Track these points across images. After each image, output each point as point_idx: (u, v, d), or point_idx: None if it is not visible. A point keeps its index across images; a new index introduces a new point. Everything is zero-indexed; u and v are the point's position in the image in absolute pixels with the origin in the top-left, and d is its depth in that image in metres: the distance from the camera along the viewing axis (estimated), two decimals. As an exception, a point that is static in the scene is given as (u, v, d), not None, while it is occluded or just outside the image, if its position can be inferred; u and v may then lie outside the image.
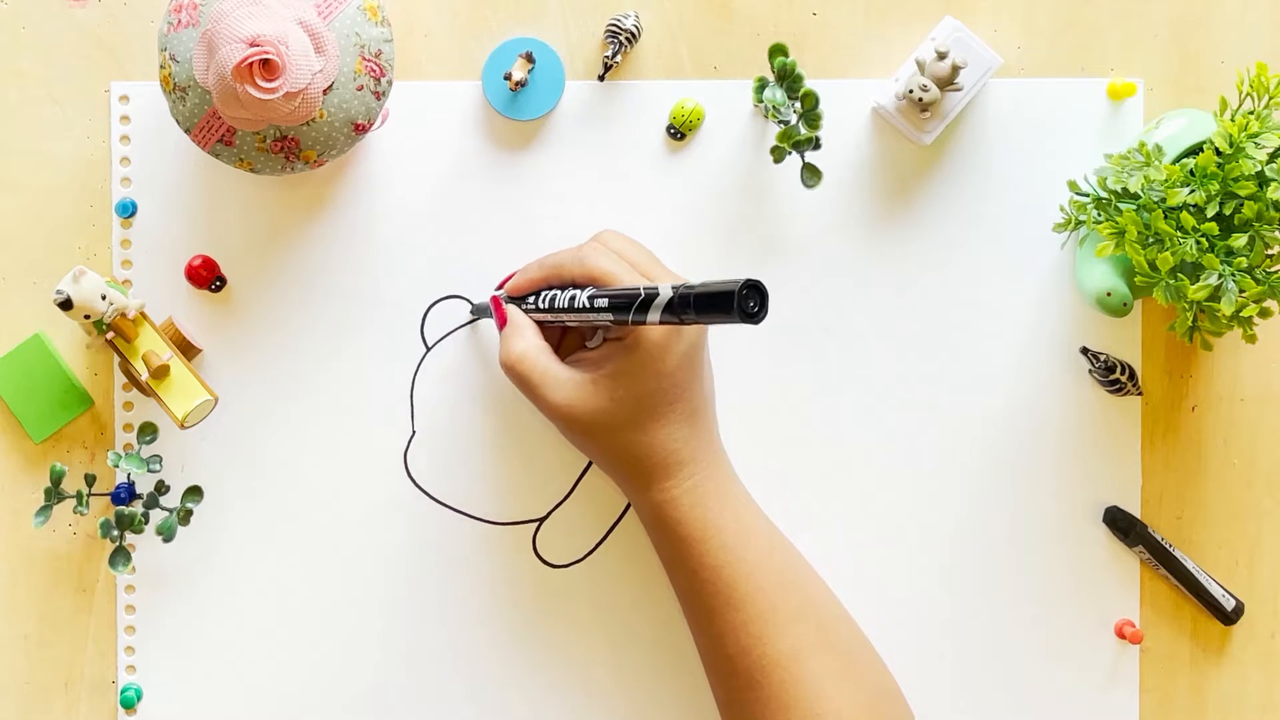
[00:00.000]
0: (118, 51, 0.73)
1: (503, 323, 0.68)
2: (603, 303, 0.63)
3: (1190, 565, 0.73)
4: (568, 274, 0.66)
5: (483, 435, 0.73)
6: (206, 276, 0.72)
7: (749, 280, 0.57)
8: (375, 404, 0.73)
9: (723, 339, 0.73)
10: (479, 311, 0.73)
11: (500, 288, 0.70)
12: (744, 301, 0.57)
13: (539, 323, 0.68)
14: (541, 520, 0.74)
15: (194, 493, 0.72)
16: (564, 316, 0.66)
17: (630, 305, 0.61)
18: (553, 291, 0.66)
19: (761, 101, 0.69)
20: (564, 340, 0.70)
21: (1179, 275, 0.64)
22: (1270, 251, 0.65)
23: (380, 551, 0.73)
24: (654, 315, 0.60)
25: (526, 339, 0.66)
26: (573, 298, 0.65)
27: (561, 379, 0.65)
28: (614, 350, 0.65)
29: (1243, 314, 0.64)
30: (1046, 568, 0.74)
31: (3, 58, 0.73)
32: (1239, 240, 0.63)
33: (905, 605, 0.74)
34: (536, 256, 0.69)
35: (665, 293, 0.60)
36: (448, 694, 0.74)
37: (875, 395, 0.73)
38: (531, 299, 0.68)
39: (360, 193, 0.73)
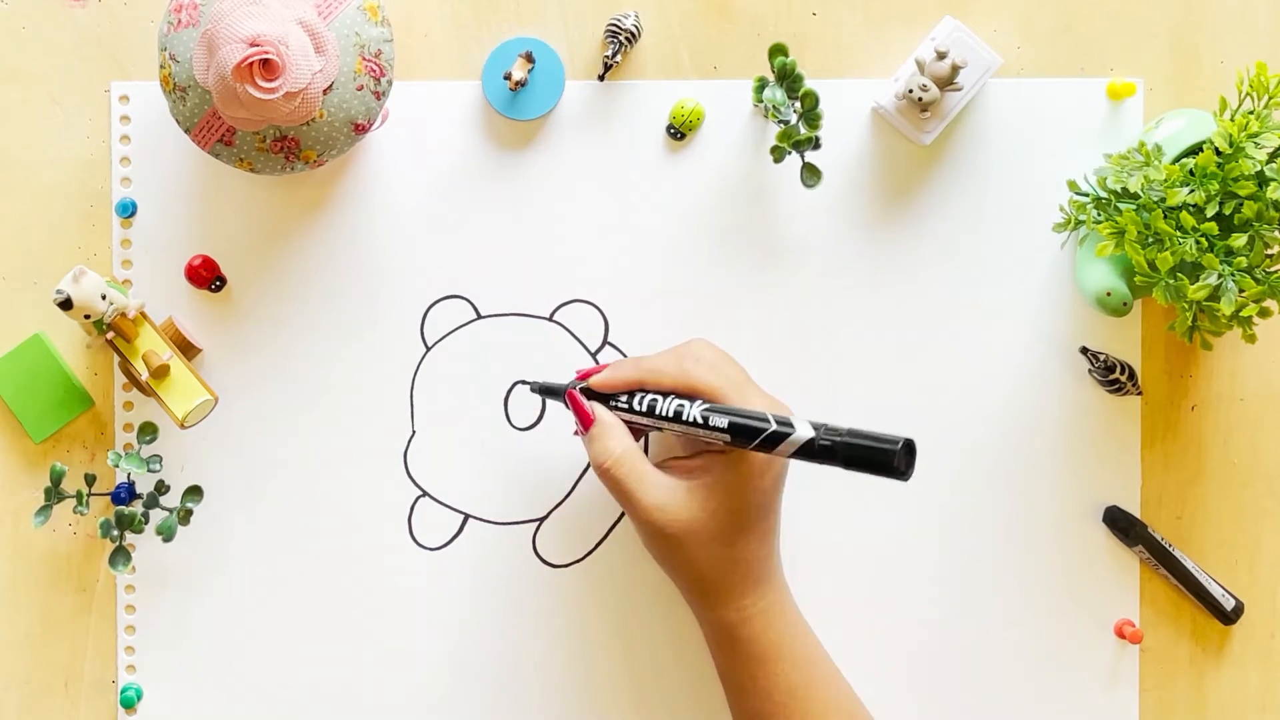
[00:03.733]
0: (118, 51, 0.73)
1: (588, 422, 0.67)
2: (721, 423, 0.62)
3: (1190, 565, 0.73)
4: (667, 380, 0.65)
5: (483, 435, 0.73)
6: (206, 276, 0.72)
7: (907, 441, 0.56)
8: (375, 404, 0.73)
9: (718, 342, 0.73)
10: (546, 392, 0.70)
11: (581, 379, 0.68)
12: (900, 461, 0.56)
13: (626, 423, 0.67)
14: (541, 520, 0.74)
15: (194, 493, 0.72)
16: (663, 424, 0.65)
17: (754, 434, 0.60)
18: (653, 397, 0.65)
19: (761, 101, 0.69)
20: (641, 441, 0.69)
21: (1179, 275, 0.64)
22: (1270, 251, 0.65)
23: (380, 552, 0.73)
24: (785, 449, 0.59)
25: (621, 441, 0.65)
26: (680, 409, 0.64)
27: (658, 483, 0.64)
28: (712, 461, 0.65)
29: (1242, 314, 0.64)
30: (1046, 568, 0.74)
31: (3, 58, 0.73)
32: (1239, 240, 0.63)
33: (905, 604, 0.74)
34: (631, 356, 0.68)
35: (804, 432, 0.59)
36: (448, 693, 0.74)
37: (875, 394, 0.73)
38: (624, 399, 0.66)
39: (360, 193, 0.73)
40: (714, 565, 0.65)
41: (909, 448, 0.57)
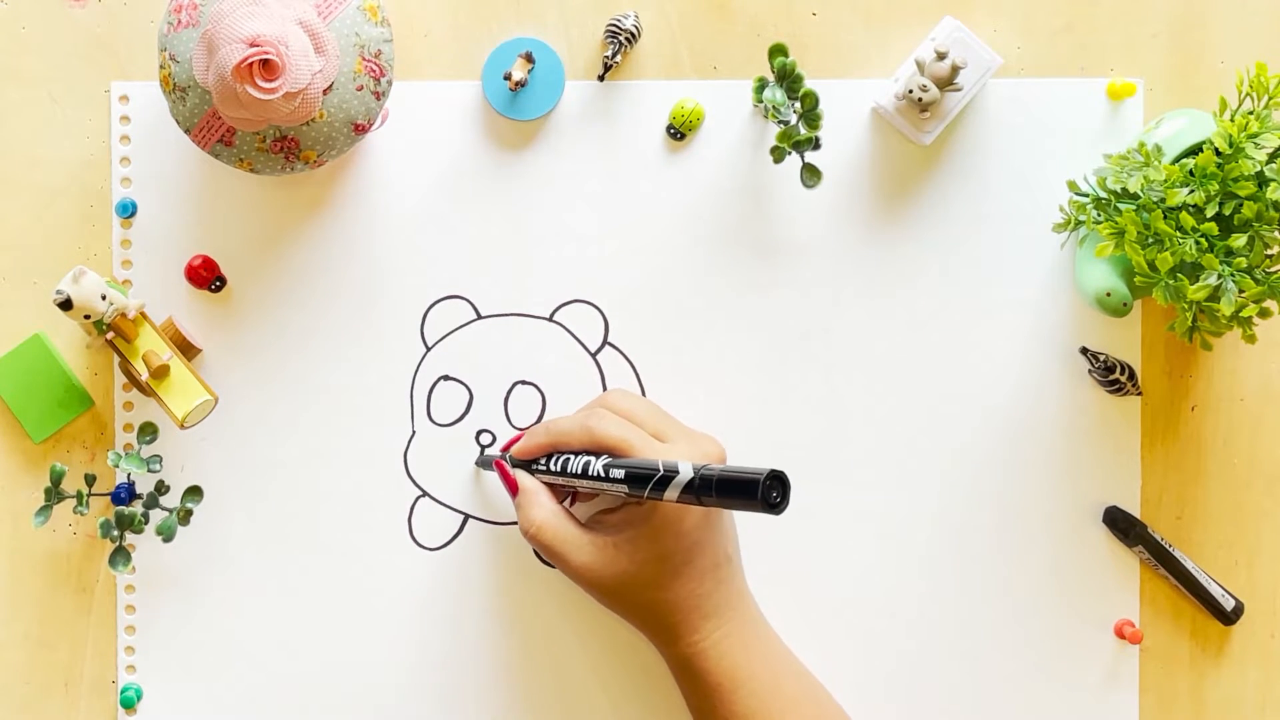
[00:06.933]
0: (118, 51, 0.73)
1: (514, 490, 0.69)
2: (619, 474, 0.63)
3: (1190, 565, 0.73)
4: (575, 442, 0.67)
5: (483, 435, 0.73)
6: (206, 276, 0.72)
7: (773, 471, 0.57)
8: (375, 404, 0.73)
9: (723, 348, 0.73)
10: (483, 464, 0.73)
11: (506, 450, 0.71)
12: (767, 492, 0.56)
13: (549, 484, 0.68)
14: (541, 520, 0.74)
15: (194, 493, 0.72)
16: (576, 482, 0.66)
17: (647, 480, 0.62)
18: (564, 456, 0.67)
19: (761, 101, 0.69)
20: (576, 497, 0.71)
21: (1178, 275, 0.64)
22: (1270, 251, 0.65)
23: (380, 552, 0.73)
24: (672, 493, 0.60)
25: (543, 506, 0.67)
26: (586, 464, 0.65)
27: (583, 544, 0.66)
28: (632, 513, 0.66)
29: (1242, 314, 0.64)
30: (1046, 568, 0.74)
31: (3, 58, 0.73)
32: (1238, 240, 0.63)
33: (905, 604, 0.74)
34: (544, 421, 0.71)
35: (685, 472, 0.60)
36: (447, 693, 0.74)
37: (875, 395, 0.73)
38: (542, 461, 0.68)
39: (360, 193, 0.73)
40: (654, 610, 0.66)
41: (776, 477, 0.57)
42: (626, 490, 0.63)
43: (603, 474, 0.64)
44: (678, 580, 0.65)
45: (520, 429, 0.73)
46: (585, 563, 0.66)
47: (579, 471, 0.66)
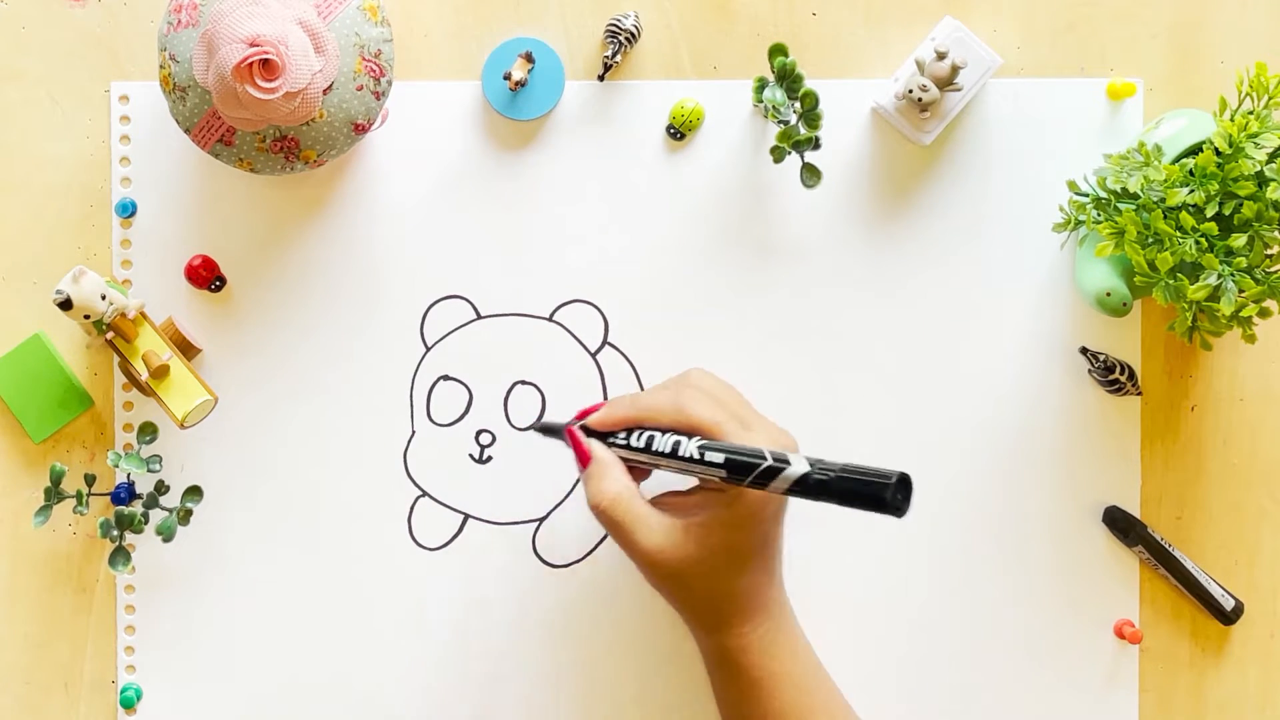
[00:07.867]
0: (118, 51, 0.73)
1: (585, 460, 0.66)
2: (717, 458, 0.61)
3: (1190, 565, 0.73)
4: (664, 418, 0.64)
5: (483, 435, 0.73)
6: (206, 276, 0.72)
7: (902, 475, 0.54)
8: (375, 404, 0.73)
9: (723, 348, 0.73)
10: (548, 431, 0.69)
11: (579, 418, 0.67)
12: (894, 495, 0.54)
13: (624, 460, 0.66)
14: (541, 520, 0.74)
15: (194, 493, 0.72)
16: (661, 461, 0.63)
17: (749, 469, 0.59)
18: (649, 433, 0.64)
19: (761, 101, 0.69)
20: (635, 475, 0.68)
21: (1178, 275, 0.64)
22: (1269, 251, 0.65)
23: (380, 551, 0.73)
24: (779, 485, 0.58)
25: (618, 481, 0.64)
26: (676, 444, 0.62)
27: (654, 524, 0.63)
28: (710, 498, 0.64)
29: (1242, 314, 0.64)
30: (1046, 567, 0.74)
31: (3, 58, 0.73)
32: (1238, 240, 0.63)
33: (904, 604, 0.74)
34: (628, 392, 0.68)
35: (797, 467, 0.58)
36: (447, 693, 0.74)
37: (875, 395, 0.73)
38: (622, 436, 0.65)
39: (360, 193, 0.73)
40: (713, 598, 0.64)
41: (904, 482, 0.55)
42: (724, 475, 0.61)
43: (697, 456, 0.61)
44: (742, 573, 0.64)
45: (520, 429, 0.73)
46: (655, 544, 0.63)
47: (667, 450, 0.63)
